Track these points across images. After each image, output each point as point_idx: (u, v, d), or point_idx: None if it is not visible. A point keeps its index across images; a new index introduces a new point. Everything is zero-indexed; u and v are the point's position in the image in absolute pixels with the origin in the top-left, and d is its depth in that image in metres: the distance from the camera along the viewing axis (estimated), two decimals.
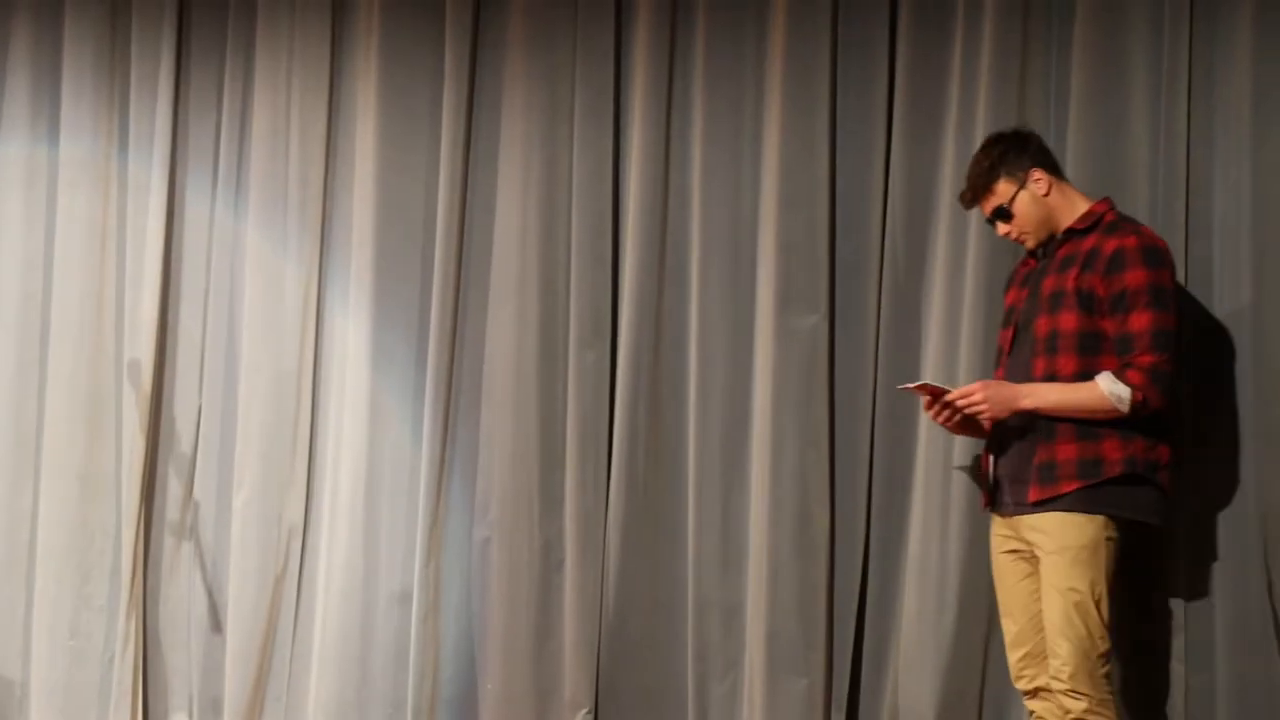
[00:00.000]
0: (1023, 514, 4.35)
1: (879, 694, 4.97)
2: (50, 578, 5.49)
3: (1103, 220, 4.40)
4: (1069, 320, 4.31)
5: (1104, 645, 4.26)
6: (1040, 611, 4.33)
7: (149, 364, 5.49)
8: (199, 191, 5.58)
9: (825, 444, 5.03)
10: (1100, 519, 4.27)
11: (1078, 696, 4.23)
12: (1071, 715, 4.24)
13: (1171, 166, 4.80)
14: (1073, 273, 4.32)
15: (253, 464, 5.43)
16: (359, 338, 5.41)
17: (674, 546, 5.18)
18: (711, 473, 5.14)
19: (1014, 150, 4.46)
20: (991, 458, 4.49)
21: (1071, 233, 4.41)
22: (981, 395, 4.31)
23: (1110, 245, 4.30)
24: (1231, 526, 4.72)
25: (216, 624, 5.43)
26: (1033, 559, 4.37)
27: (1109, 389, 4.23)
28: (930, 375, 4.89)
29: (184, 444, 5.52)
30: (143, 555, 5.48)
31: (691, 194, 5.22)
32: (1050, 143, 4.83)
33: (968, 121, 4.96)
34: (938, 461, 4.91)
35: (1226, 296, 4.77)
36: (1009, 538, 4.43)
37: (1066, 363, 4.31)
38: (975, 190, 4.47)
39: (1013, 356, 4.44)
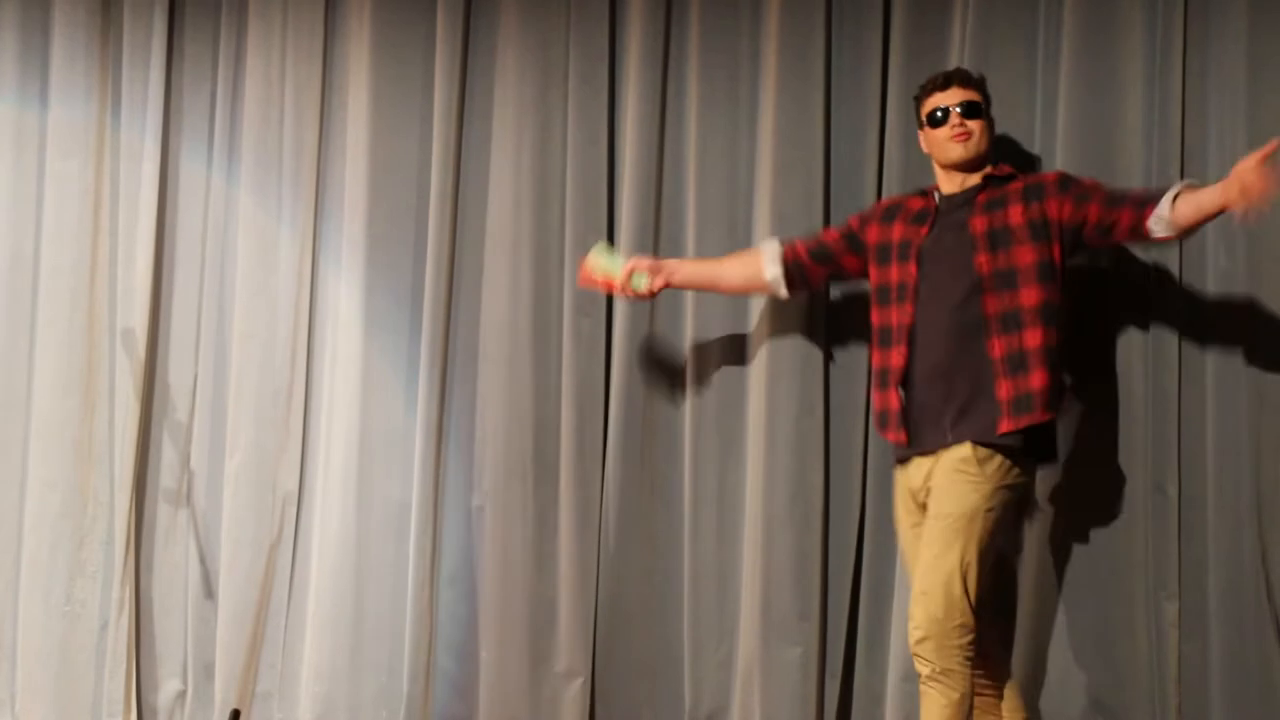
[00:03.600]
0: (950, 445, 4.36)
1: (874, 662, 4.98)
2: (44, 544, 5.49)
3: (1015, 173, 4.57)
4: (1025, 254, 4.40)
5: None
6: None
7: (143, 331, 5.48)
8: (193, 158, 5.56)
9: (820, 413, 5.04)
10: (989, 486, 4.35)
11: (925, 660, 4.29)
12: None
13: (1166, 139, 4.82)
14: (1015, 209, 4.43)
15: (247, 431, 5.43)
16: (353, 304, 5.41)
17: (670, 516, 5.18)
18: (708, 441, 5.14)
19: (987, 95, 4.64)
20: (899, 393, 4.46)
21: (992, 180, 4.52)
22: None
23: (1048, 176, 4.51)
24: (1226, 496, 4.75)
25: (210, 591, 5.43)
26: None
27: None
28: None
29: (179, 411, 5.51)
30: (137, 522, 5.47)
31: (687, 161, 5.21)
32: (1040, 112, 4.88)
33: None
34: None
35: (1221, 274, 4.78)
36: (912, 507, 4.47)
37: (1029, 294, 4.37)
38: (969, 76, 4.60)
39: (926, 293, 4.46)
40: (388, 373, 5.38)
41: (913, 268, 4.49)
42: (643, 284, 4.80)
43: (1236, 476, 4.75)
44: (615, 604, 5.18)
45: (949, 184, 4.59)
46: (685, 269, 4.92)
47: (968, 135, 4.53)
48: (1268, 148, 4.15)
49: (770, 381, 5.05)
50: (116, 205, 5.57)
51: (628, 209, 5.20)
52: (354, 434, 5.35)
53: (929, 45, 5.02)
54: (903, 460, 4.51)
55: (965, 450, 4.33)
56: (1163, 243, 4.45)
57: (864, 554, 5.02)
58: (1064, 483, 4.80)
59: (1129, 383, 4.81)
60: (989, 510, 4.31)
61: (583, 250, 5.19)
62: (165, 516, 5.50)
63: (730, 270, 4.88)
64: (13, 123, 5.61)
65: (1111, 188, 4.46)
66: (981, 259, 4.41)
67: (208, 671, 5.41)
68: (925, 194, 4.65)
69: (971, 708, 4.29)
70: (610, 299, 5.20)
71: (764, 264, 4.80)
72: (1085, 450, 4.80)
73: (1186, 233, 4.36)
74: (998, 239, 4.42)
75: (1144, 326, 4.81)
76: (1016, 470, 4.36)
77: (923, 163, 4.95)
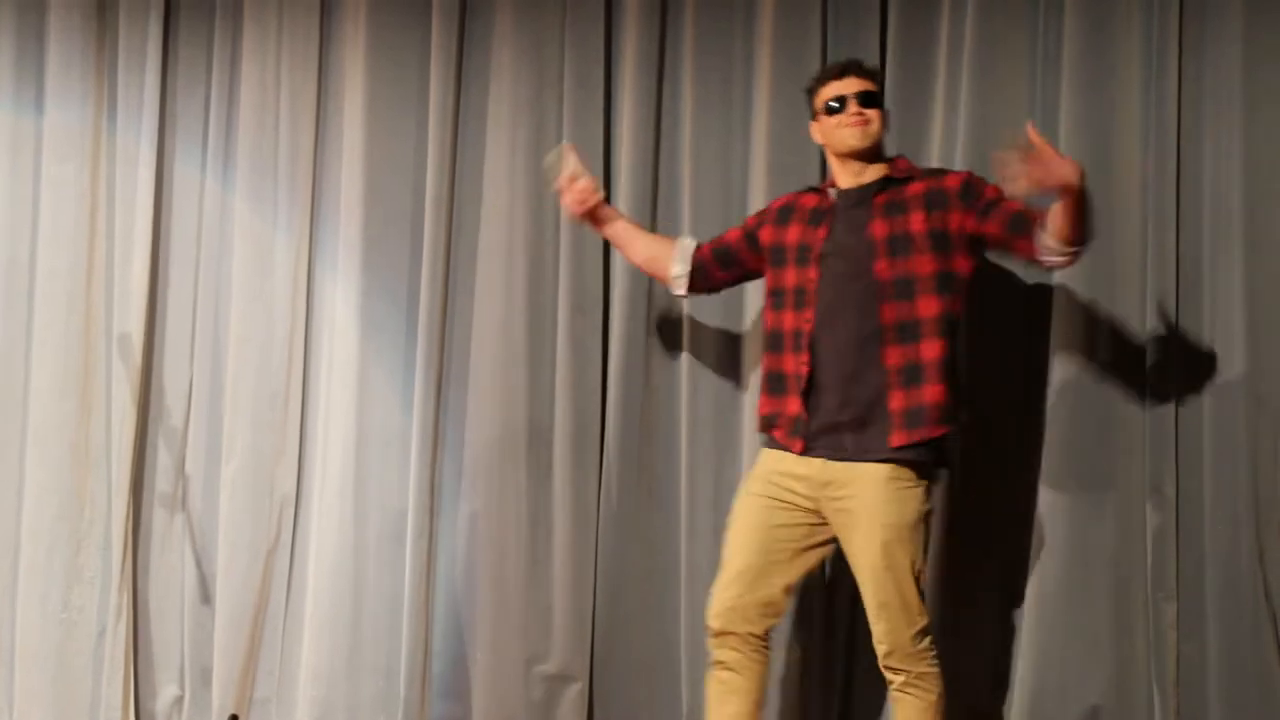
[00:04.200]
0: (851, 461, 4.31)
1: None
2: (41, 549, 5.48)
3: (914, 171, 4.49)
4: (924, 263, 4.33)
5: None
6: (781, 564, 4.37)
7: (139, 336, 5.47)
8: (188, 162, 5.56)
9: None
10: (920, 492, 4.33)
11: (897, 671, 4.32)
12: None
13: (1163, 140, 4.83)
14: (917, 216, 4.35)
15: (243, 435, 5.42)
16: (349, 308, 5.40)
17: (667, 517, 5.18)
18: (704, 443, 5.14)
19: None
20: (801, 401, 4.38)
21: (891, 181, 4.44)
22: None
23: (951, 181, 4.40)
24: (1223, 497, 4.75)
25: (207, 595, 5.42)
26: (813, 516, 4.36)
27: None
28: None
29: (174, 416, 5.50)
30: (134, 527, 5.47)
31: (682, 163, 5.21)
32: (1039, 112, 4.87)
33: (954, 91, 4.97)
34: None
35: (1219, 269, 4.78)
36: (784, 487, 4.39)
37: (928, 304, 4.32)
38: (863, 66, 4.51)
39: (827, 299, 4.38)
40: (384, 377, 5.37)
41: (812, 273, 4.42)
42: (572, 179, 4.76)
43: (1234, 477, 4.75)
44: (612, 607, 5.18)
45: (845, 177, 4.49)
46: (616, 221, 4.87)
47: (865, 122, 4.44)
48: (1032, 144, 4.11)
49: None
50: (112, 209, 5.56)
51: (623, 211, 5.18)
52: (350, 438, 5.35)
53: (925, 49, 5.02)
54: (813, 456, 4.40)
55: (890, 469, 4.28)
56: (1060, 266, 4.32)
57: None
58: (1061, 484, 4.80)
59: (1126, 384, 4.81)
60: (928, 513, 4.33)
61: (576, 254, 5.21)
62: (162, 521, 5.50)
63: (642, 247, 4.84)
64: (9, 127, 5.60)
65: (1016, 208, 4.29)
66: (881, 265, 4.34)
67: (205, 676, 5.40)
68: (819, 191, 4.58)
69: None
70: (606, 302, 5.21)
71: (673, 259, 4.76)
72: (1082, 452, 4.81)
73: (1075, 244, 4.19)
74: (898, 245, 4.35)
75: (1140, 327, 4.81)
76: (927, 477, 4.34)
77: (921, 164, 4.97)
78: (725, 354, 5.14)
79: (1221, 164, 4.80)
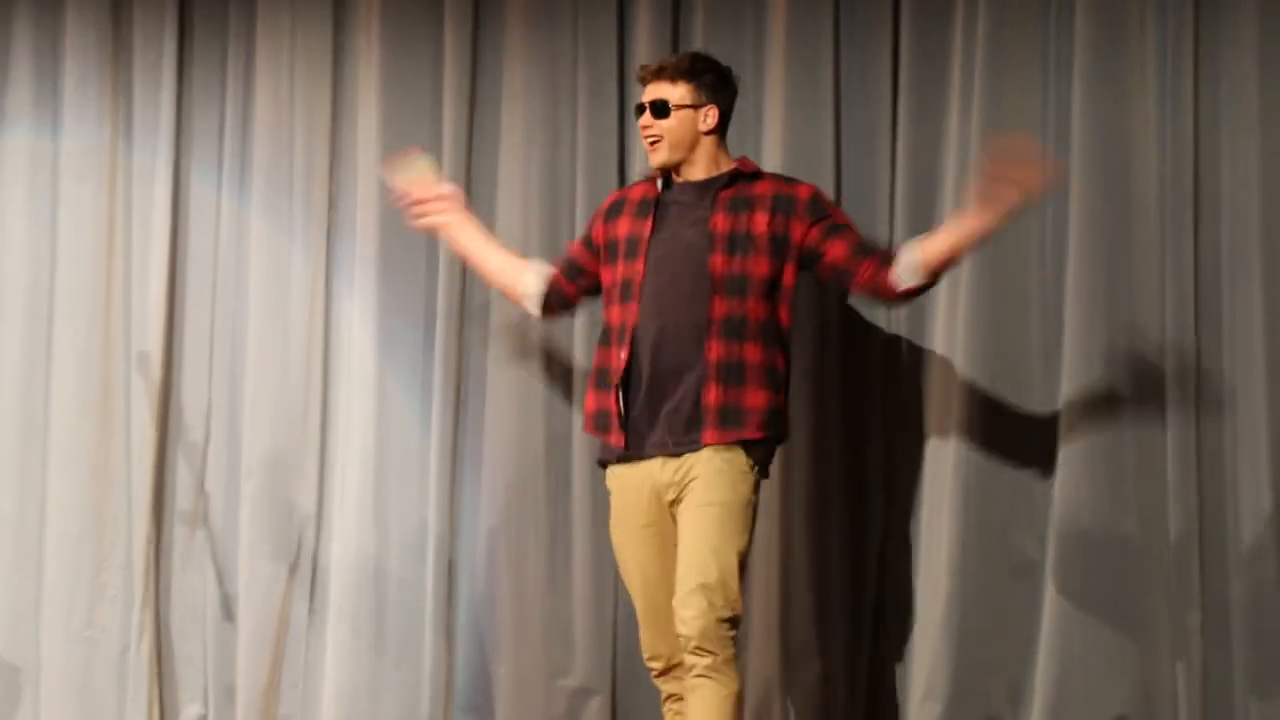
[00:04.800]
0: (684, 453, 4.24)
1: (896, 681, 4.97)
2: (64, 569, 5.49)
3: (761, 171, 4.44)
4: (760, 265, 4.27)
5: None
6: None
7: (158, 354, 5.49)
8: (204, 181, 5.57)
9: (837, 424, 5.01)
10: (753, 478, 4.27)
11: (703, 653, 4.16)
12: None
13: (1179, 144, 4.79)
14: (761, 217, 4.28)
15: (262, 452, 5.43)
16: (366, 324, 5.40)
17: None
18: None
19: (717, 79, 4.42)
20: (618, 395, 4.31)
21: (739, 176, 4.36)
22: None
23: (802, 191, 4.34)
24: (1247, 504, 4.74)
25: (229, 613, 5.44)
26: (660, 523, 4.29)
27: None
28: (938, 361, 4.93)
29: (194, 433, 5.52)
30: (155, 545, 5.48)
31: None
32: (1053, 117, 4.83)
33: (968, 96, 4.94)
34: (950, 440, 4.89)
35: (1238, 275, 4.76)
36: (641, 507, 4.31)
37: (756, 307, 4.25)
38: (663, 69, 4.39)
39: (652, 292, 4.29)
40: (402, 392, 5.37)
41: (639, 265, 4.32)
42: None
43: (1257, 482, 4.72)
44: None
45: (689, 173, 4.40)
46: (470, 231, 4.71)
47: (655, 140, 4.35)
48: (1003, 151, 4.09)
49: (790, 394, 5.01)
50: (130, 229, 5.58)
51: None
52: (370, 454, 5.35)
53: (938, 55, 5.00)
54: (627, 460, 4.33)
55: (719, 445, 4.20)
56: (910, 296, 4.28)
57: (886, 569, 4.99)
58: (1081, 492, 4.78)
59: (1146, 391, 4.78)
60: (756, 499, 4.26)
61: None
62: (183, 539, 5.52)
63: (495, 266, 4.70)
64: (27, 149, 5.62)
65: (862, 238, 4.32)
66: (718, 259, 4.25)
67: (229, 694, 5.42)
68: (649, 180, 4.46)
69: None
70: None
71: (525, 285, 4.64)
72: (1102, 458, 4.78)
73: (937, 276, 4.21)
74: (737, 243, 4.27)
75: (1158, 333, 4.78)
76: (756, 469, 4.28)
77: (934, 172, 4.96)
78: None
79: (1239, 166, 4.77)
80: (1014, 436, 4.88)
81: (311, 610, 5.41)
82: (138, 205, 5.57)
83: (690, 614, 4.13)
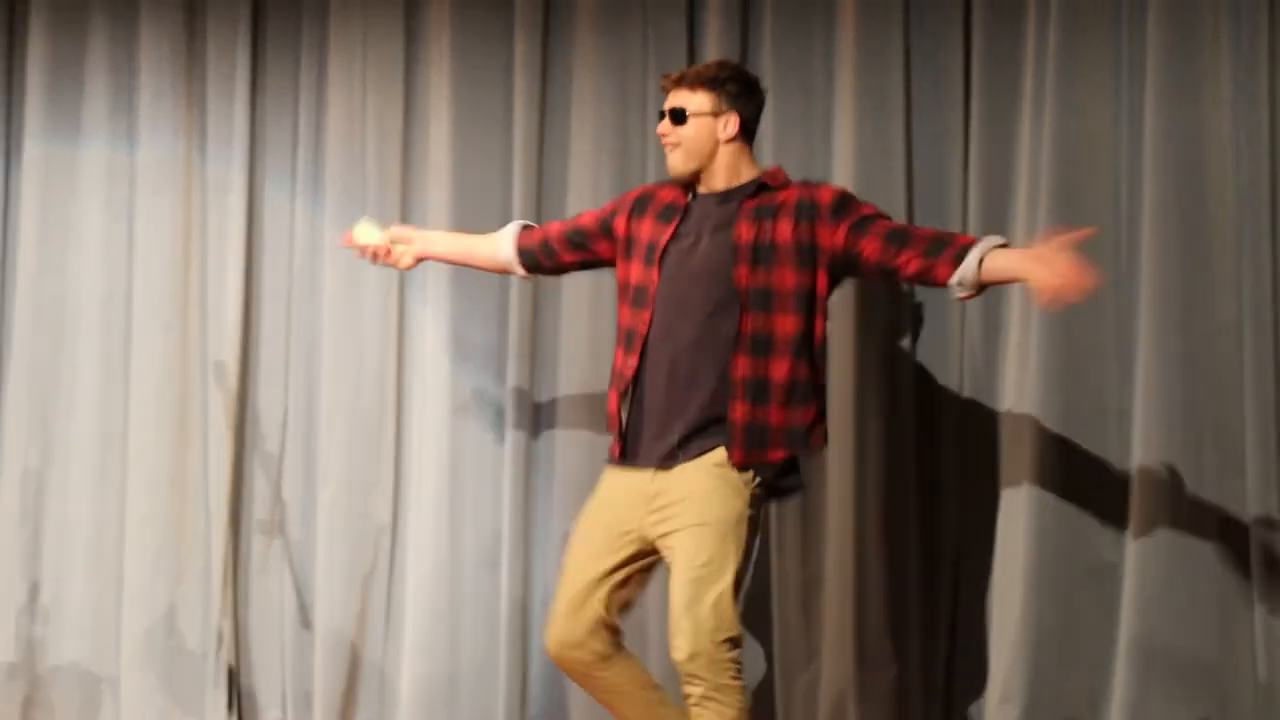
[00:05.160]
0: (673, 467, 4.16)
1: (972, 684, 4.95)
2: (144, 578, 5.53)
3: (790, 181, 4.32)
4: (787, 277, 4.16)
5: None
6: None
7: (234, 364, 5.53)
8: (278, 191, 5.61)
9: (910, 432, 5.01)
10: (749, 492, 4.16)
11: (696, 680, 4.08)
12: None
13: (1255, 149, 4.76)
14: (785, 225, 4.18)
15: (338, 461, 5.46)
16: (439, 332, 5.43)
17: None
18: None
19: (741, 88, 4.33)
20: (626, 405, 4.25)
21: (764, 187, 4.26)
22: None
23: (825, 194, 4.22)
24: None
25: (307, 621, 5.48)
26: (631, 543, 4.21)
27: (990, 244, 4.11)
28: (1012, 362, 4.88)
29: (270, 443, 5.56)
30: (233, 555, 5.53)
31: None
32: (1126, 123, 4.80)
33: (1040, 103, 4.92)
34: (1025, 445, 4.87)
35: None
36: (624, 516, 4.22)
37: (786, 321, 4.15)
38: (683, 77, 4.32)
39: (667, 301, 4.21)
40: (476, 400, 5.40)
41: (655, 274, 4.24)
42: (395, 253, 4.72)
43: None
44: None
45: (701, 185, 4.32)
46: (443, 242, 4.83)
47: (675, 144, 4.28)
48: (1078, 234, 3.99)
49: (858, 401, 5.02)
50: (205, 239, 5.62)
51: None
52: (444, 462, 5.38)
53: (1009, 62, 4.99)
54: (623, 465, 4.28)
55: (721, 454, 4.13)
56: (960, 295, 4.14)
57: (960, 571, 4.99)
58: (1160, 500, 4.76)
59: (1224, 397, 4.77)
60: (751, 516, 4.14)
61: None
62: (260, 548, 5.56)
63: (480, 248, 4.73)
64: (104, 162, 5.67)
65: (894, 224, 4.22)
66: (742, 272, 4.15)
67: (307, 701, 5.45)
68: (680, 187, 4.37)
69: None
70: None
71: (500, 243, 4.66)
72: (1181, 466, 4.76)
73: (982, 289, 4.10)
74: (761, 254, 4.16)
75: (1236, 340, 4.76)
76: (759, 485, 4.17)
77: (1006, 180, 4.93)
78: None
79: None
80: (1089, 438, 4.87)
81: (388, 618, 5.44)
82: (213, 216, 5.61)
83: (681, 640, 4.05)
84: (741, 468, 4.13)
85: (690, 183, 4.33)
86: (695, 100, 4.29)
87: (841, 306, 4.99)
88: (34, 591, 5.61)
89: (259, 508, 5.56)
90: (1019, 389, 4.90)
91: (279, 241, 5.61)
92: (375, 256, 4.71)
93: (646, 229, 4.35)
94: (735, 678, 4.08)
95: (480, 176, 5.42)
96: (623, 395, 4.26)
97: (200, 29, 5.65)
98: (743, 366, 4.14)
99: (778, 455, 4.17)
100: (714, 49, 5.19)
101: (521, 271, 4.69)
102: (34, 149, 5.70)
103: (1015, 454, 4.89)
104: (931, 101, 5.06)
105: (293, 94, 5.62)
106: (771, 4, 5.19)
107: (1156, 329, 4.78)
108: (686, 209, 4.31)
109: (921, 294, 5.03)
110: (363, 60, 5.53)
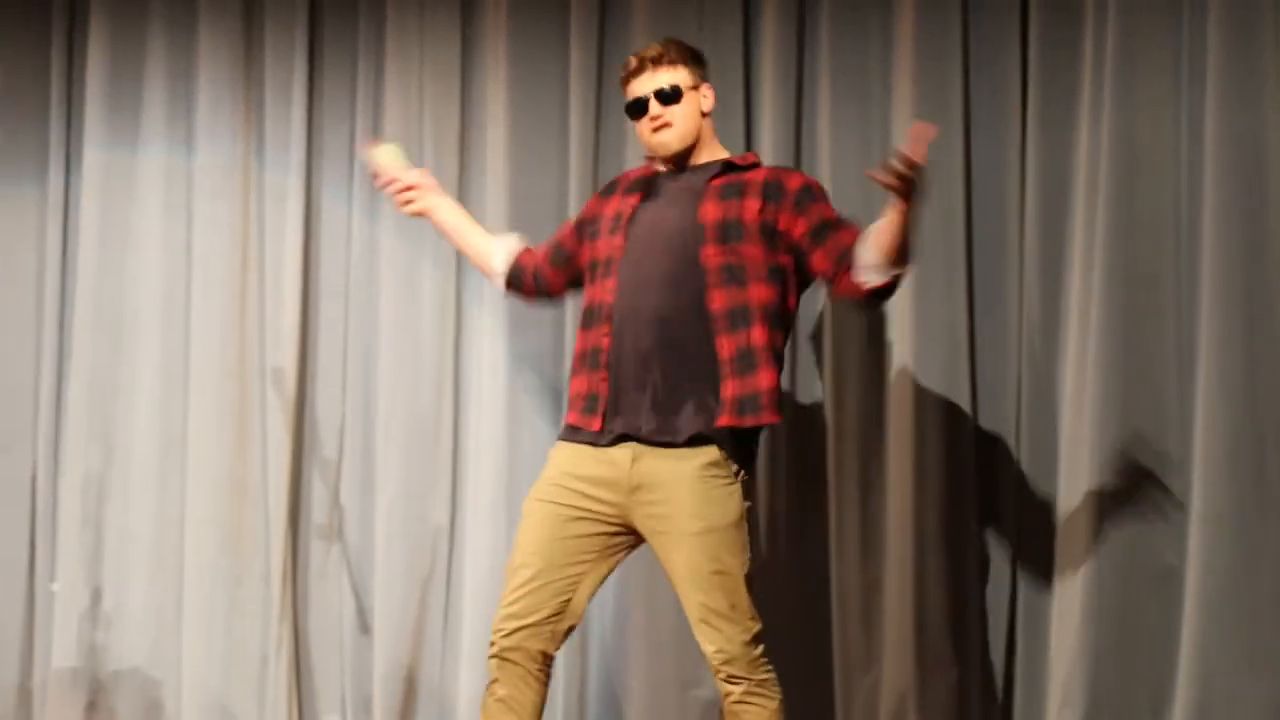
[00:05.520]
0: (653, 445, 4.09)
1: (1035, 687, 4.94)
2: (203, 582, 5.57)
3: (759, 163, 4.31)
4: (756, 251, 4.11)
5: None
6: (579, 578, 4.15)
7: (292, 370, 5.56)
8: (335, 196, 5.64)
9: (970, 436, 5.00)
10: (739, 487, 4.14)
11: (736, 681, 4.09)
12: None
13: None
14: (752, 204, 4.14)
15: (395, 466, 5.48)
16: (497, 338, 5.44)
17: (815, 541, 5.15)
18: (849, 467, 5.10)
19: (701, 59, 4.34)
20: (607, 378, 4.15)
21: (731, 166, 4.25)
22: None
23: (793, 181, 4.20)
24: None
25: (365, 626, 5.50)
26: (614, 526, 4.14)
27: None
28: (1071, 366, 4.87)
29: (328, 448, 5.59)
30: (292, 559, 5.56)
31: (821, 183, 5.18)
32: (1185, 126, 4.79)
33: (1098, 106, 4.89)
34: (1084, 449, 4.85)
35: None
36: (583, 492, 4.14)
37: (759, 291, 4.11)
38: (662, 55, 4.27)
39: (632, 268, 4.15)
40: (533, 405, 5.41)
41: (620, 240, 4.20)
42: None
43: None
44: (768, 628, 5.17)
45: (689, 159, 4.30)
46: (451, 215, 4.67)
47: (668, 124, 4.23)
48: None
49: (916, 406, 5.02)
50: (263, 244, 5.66)
51: None
52: (502, 467, 5.39)
53: (1067, 66, 4.96)
54: (585, 441, 4.18)
55: (712, 453, 4.06)
56: (880, 296, 4.09)
57: (1020, 574, 4.98)
58: (1222, 497, 4.72)
59: None
60: (749, 508, 4.12)
61: None
62: (319, 553, 5.59)
63: (477, 243, 4.66)
64: (162, 168, 5.71)
65: (848, 244, 4.10)
66: (709, 251, 4.10)
67: (366, 705, 5.48)
68: (650, 164, 4.36)
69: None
70: None
71: (495, 250, 4.62)
72: (1244, 462, 4.73)
73: (901, 263, 4.01)
74: (729, 231, 4.11)
75: None
76: (747, 473, 4.14)
77: (1064, 185, 4.92)
78: (870, 375, 5.11)
79: None
80: (1149, 443, 4.84)
81: (446, 622, 5.46)
82: (270, 221, 5.64)
83: (711, 647, 4.06)
84: (692, 458, 4.05)
85: (677, 159, 4.28)
86: (679, 76, 4.27)
87: (899, 308, 5.00)
88: (96, 596, 5.66)
89: (317, 512, 5.59)
90: (1078, 393, 4.87)
91: (336, 247, 5.63)
92: (385, 185, 4.61)
93: (613, 205, 4.33)
94: (768, 670, 4.12)
95: (536, 183, 5.43)
96: (594, 370, 4.18)
97: (258, 36, 5.69)
98: (727, 345, 4.08)
99: (772, 418, 4.12)
100: (770, 56, 5.19)
101: (500, 285, 4.64)
102: (94, 156, 5.75)
103: (1075, 457, 4.87)
104: (989, 106, 5.04)
105: (350, 100, 5.64)
106: (828, 11, 5.19)
107: (1217, 333, 4.74)
108: (654, 181, 4.29)
109: (979, 298, 5.01)
110: (419, 67, 5.55)
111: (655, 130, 4.26)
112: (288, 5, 5.64)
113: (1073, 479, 4.87)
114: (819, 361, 5.17)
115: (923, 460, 4.98)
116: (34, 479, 5.77)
